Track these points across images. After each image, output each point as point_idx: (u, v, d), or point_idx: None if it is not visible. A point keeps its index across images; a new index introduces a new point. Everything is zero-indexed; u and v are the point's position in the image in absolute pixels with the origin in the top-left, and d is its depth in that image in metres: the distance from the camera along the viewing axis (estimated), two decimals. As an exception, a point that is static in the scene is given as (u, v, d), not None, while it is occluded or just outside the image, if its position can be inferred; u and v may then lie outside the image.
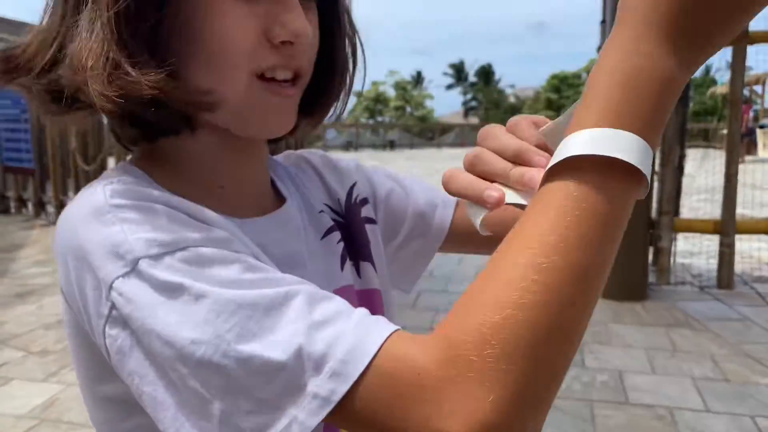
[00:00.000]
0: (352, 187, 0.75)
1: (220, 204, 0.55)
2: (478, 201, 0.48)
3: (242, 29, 0.51)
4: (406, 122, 44.95)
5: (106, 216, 0.46)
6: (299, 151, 0.76)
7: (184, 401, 0.43)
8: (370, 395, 0.40)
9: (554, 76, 45.31)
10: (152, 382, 0.43)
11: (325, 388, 0.40)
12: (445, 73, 64.73)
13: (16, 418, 2.90)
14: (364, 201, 0.74)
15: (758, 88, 18.82)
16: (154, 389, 0.43)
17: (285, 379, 0.40)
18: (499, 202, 0.46)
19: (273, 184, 0.67)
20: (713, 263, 4.81)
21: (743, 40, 4.25)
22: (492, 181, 0.48)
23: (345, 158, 0.79)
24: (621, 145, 0.37)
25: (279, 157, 0.73)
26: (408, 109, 49.25)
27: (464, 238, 0.76)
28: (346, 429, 0.45)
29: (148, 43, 0.50)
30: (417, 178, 0.80)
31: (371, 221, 0.74)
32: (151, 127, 0.55)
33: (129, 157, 0.60)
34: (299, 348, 0.40)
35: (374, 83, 49.59)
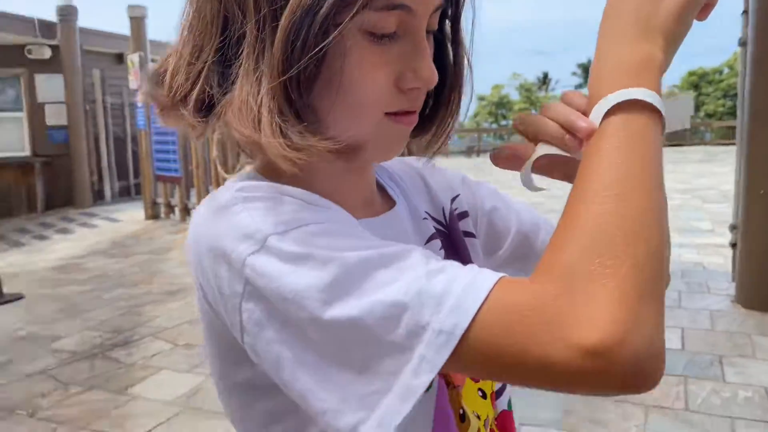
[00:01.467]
0: (454, 199, 0.75)
1: None
2: (571, 127, 0.53)
3: (377, 78, 0.53)
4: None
5: (235, 207, 0.51)
6: (407, 158, 0.77)
7: (323, 358, 0.46)
8: (492, 325, 0.42)
9: (692, 73, 41.89)
10: (292, 346, 0.47)
11: (448, 323, 0.43)
12: (574, 73, 62.49)
13: (163, 404, 3.20)
14: (464, 214, 0.75)
15: None
16: (293, 352, 0.47)
17: (409, 319, 0.44)
18: (589, 132, 0.51)
19: (382, 188, 0.70)
20: None
21: None
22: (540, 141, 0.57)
23: (451, 170, 0.79)
24: (647, 95, 0.48)
25: (388, 163, 0.75)
26: (534, 112, 47.95)
27: None
28: (471, 369, 0.48)
29: (310, 102, 0.53)
30: (523, 201, 0.80)
31: (470, 235, 0.74)
32: None
33: (248, 167, 0.64)
34: (419, 290, 0.44)
35: (495, 86, 48.81)
